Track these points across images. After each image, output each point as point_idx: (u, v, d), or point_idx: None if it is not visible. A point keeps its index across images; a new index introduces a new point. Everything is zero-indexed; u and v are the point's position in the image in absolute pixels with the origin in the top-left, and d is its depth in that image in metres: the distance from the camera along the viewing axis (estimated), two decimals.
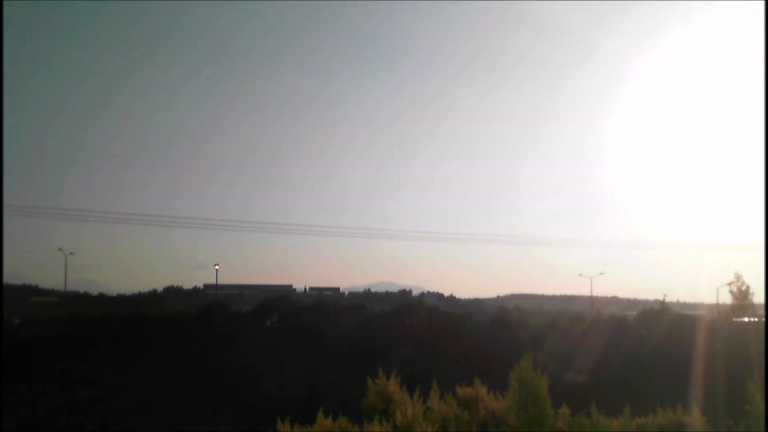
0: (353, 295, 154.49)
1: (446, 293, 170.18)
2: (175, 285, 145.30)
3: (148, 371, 31.16)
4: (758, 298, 47.31)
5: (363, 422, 4.68)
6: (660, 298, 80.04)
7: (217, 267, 52.42)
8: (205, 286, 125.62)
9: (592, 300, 76.35)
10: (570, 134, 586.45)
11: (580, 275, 74.01)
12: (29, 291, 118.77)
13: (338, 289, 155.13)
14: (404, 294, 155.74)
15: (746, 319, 40.98)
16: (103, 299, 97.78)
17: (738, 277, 47.13)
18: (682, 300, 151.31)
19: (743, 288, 46.42)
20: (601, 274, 74.03)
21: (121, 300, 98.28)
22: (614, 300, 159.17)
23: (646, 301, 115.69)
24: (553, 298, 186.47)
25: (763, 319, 39.92)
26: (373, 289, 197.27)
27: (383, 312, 38.30)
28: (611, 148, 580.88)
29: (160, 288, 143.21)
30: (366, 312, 36.33)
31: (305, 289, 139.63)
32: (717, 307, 57.54)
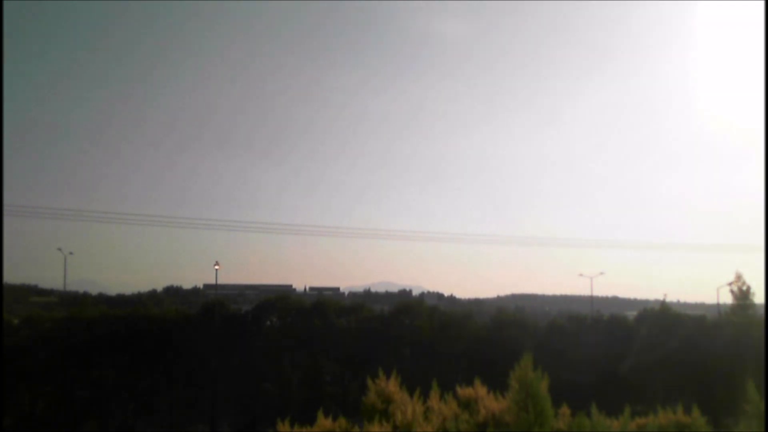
0: (353, 295, 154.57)
1: (446, 293, 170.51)
2: (174, 285, 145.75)
3: (147, 371, 31.15)
4: (758, 298, 47.33)
5: (363, 422, 4.67)
6: (660, 298, 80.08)
7: (217, 267, 52.33)
8: (205, 286, 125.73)
9: (592, 300, 76.29)
10: (570, 135, 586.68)
11: (580, 275, 73.89)
12: (29, 291, 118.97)
13: (338, 289, 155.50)
14: (404, 294, 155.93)
15: (746, 319, 40.94)
16: (102, 299, 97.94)
17: (738, 277, 47.17)
18: (682, 300, 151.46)
19: (744, 288, 46.44)
20: (601, 274, 74.00)
21: (121, 300, 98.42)
22: (614, 300, 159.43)
23: (646, 301, 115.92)
24: (553, 298, 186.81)
25: (763, 319, 39.91)
26: (373, 289, 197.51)
27: (383, 312, 38.25)
28: (611, 148, 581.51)
29: (160, 288, 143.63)
30: (366, 312, 36.26)
31: (305, 289, 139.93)
32: (717, 307, 57.55)
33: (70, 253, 62.61)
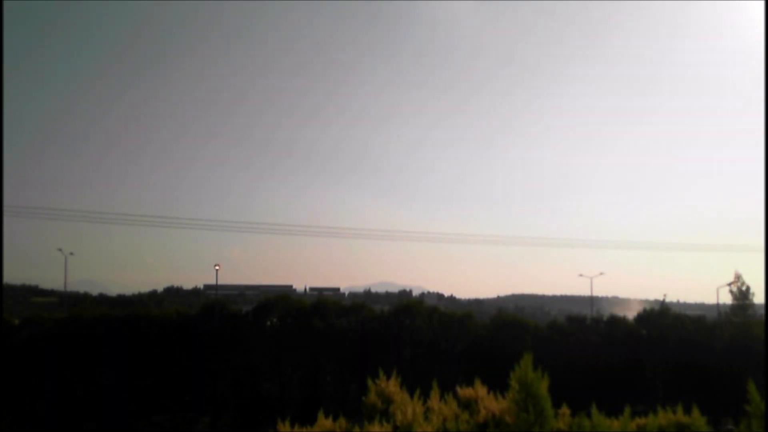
0: (353, 295, 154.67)
1: (446, 293, 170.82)
2: (175, 285, 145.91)
3: (147, 371, 31.16)
4: (758, 299, 47.35)
5: (363, 422, 4.67)
6: (660, 298, 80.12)
7: (217, 267, 52.37)
8: (206, 286, 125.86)
9: (592, 300, 76.24)
10: (571, 135, 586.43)
11: (580, 275, 73.83)
12: (29, 291, 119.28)
13: (338, 289, 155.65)
14: (404, 294, 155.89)
15: (746, 320, 40.95)
16: (103, 299, 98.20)
17: (738, 277, 47.18)
18: (682, 300, 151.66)
19: (743, 288, 46.46)
20: (601, 274, 73.76)
21: (121, 300, 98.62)
22: (614, 300, 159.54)
23: (646, 301, 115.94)
24: (553, 298, 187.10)
25: (763, 319, 39.91)
26: (373, 289, 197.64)
27: (383, 312, 38.23)
28: (611, 148, 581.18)
29: (160, 288, 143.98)
30: (366, 312, 36.26)
31: (305, 289, 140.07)
32: (717, 307, 57.53)
33: (71, 254, 62.53)
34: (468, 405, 5.13)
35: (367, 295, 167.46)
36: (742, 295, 46.27)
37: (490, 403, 4.96)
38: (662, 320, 36.82)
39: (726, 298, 55.89)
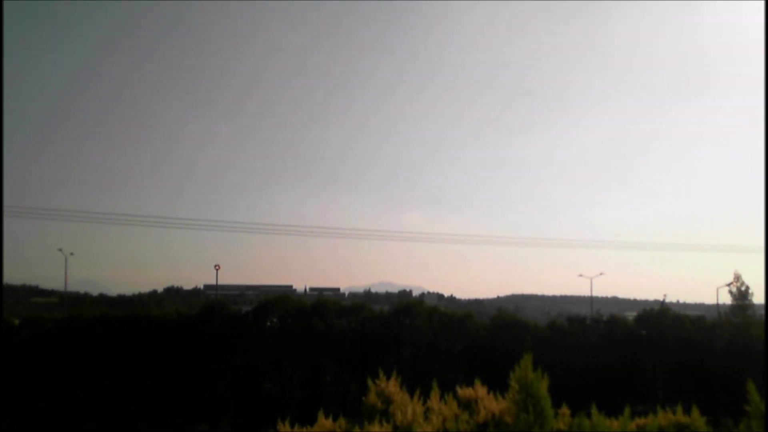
0: (353, 295, 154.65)
1: (446, 293, 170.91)
2: (175, 285, 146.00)
3: (147, 371, 31.14)
4: (758, 299, 47.41)
5: (363, 422, 4.67)
6: (660, 298, 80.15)
7: (217, 268, 52.35)
8: (205, 286, 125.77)
9: (592, 300, 76.20)
10: (570, 135, 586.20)
11: (580, 275, 73.80)
12: (30, 291, 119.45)
13: (338, 289, 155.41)
14: (404, 294, 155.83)
15: (745, 320, 40.95)
16: (103, 299, 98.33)
17: (738, 278, 47.24)
18: (682, 300, 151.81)
19: (743, 288, 46.51)
20: (601, 274, 73.72)
21: (121, 300, 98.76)
22: (614, 300, 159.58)
23: (646, 301, 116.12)
24: (553, 299, 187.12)
25: (763, 319, 39.91)
26: (373, 289, 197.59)
27: (383, 312, 38.21)
28: (611, 148, 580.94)
29: (160, 288, 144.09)
30: (366, 312, 36.23)
31: (305, 289, 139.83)
32: (717, 307, 57.56)
33: (71, 254, 62.50)
34: (468, 405, 5.14)
35: (367, 295, 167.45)
36: (742, 296, 46.34)
37: (490, 404, 4.97)
38: (662, 320, 36.78)
39: (726, 298, 55.90)
